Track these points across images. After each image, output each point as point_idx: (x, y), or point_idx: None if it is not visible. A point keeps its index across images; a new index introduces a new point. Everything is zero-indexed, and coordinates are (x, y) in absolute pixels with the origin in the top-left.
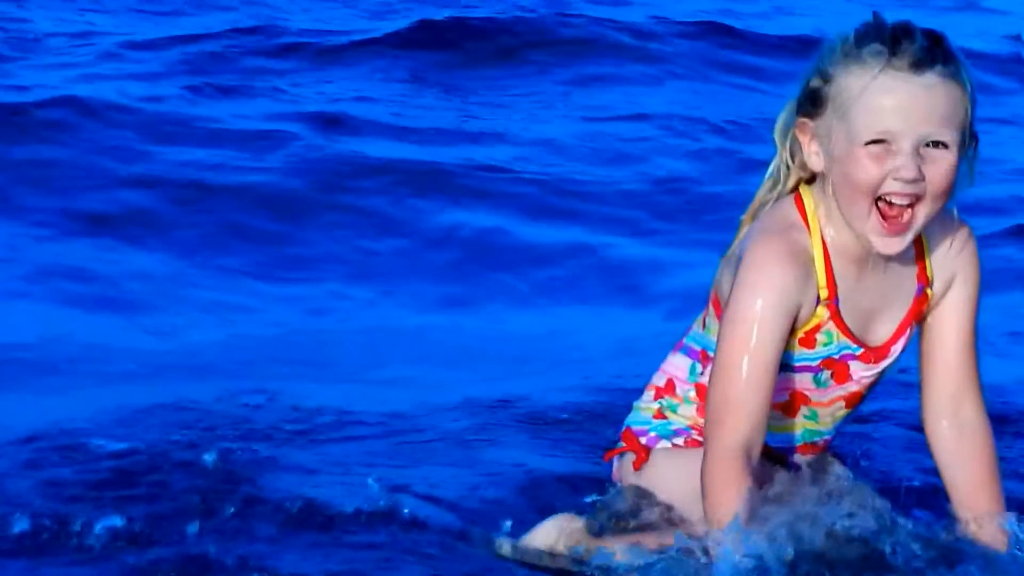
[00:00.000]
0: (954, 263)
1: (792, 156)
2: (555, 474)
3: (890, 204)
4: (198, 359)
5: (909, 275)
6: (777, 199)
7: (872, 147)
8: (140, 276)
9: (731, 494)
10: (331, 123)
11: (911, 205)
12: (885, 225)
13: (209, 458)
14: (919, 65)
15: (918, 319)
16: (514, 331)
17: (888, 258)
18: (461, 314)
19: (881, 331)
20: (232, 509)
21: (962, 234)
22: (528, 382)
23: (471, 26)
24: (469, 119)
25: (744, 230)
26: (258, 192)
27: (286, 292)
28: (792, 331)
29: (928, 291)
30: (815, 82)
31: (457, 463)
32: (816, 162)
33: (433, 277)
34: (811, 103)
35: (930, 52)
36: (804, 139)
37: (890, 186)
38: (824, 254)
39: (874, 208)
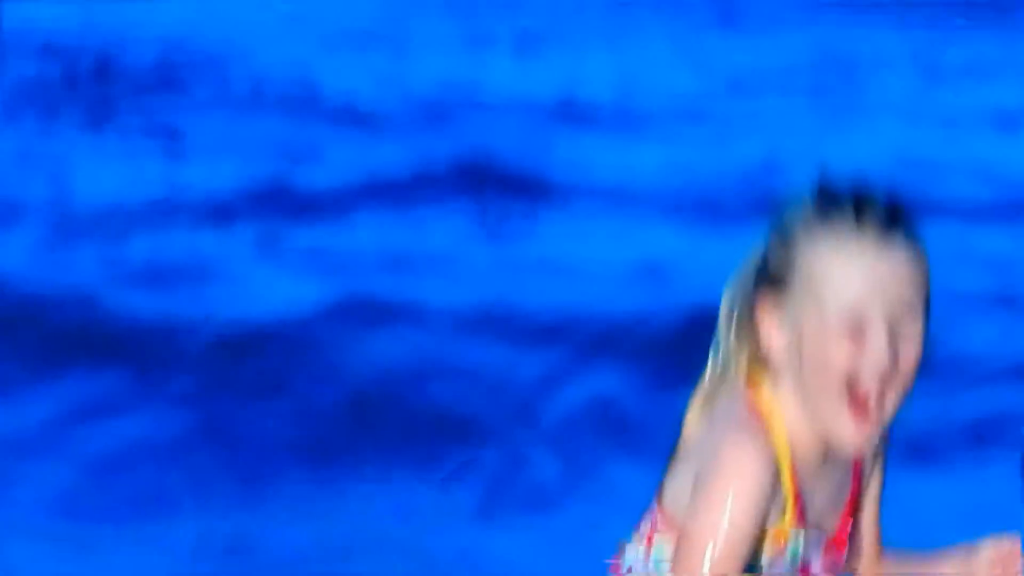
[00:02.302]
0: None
1: (740, 339)
2: None
3: (860, 391)
4: None
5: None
6: (728, 391)
7: (844, 328)
8: None
9: None
10: None
11: (882, 391)
12: (856, 413)
13: None
14: (886, 234)
15: (857, 497)
16: None
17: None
18: None
19: (831, 522)
20: None
21: None
22: None
23: None
24: None
25: (691, 429)
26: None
27: None
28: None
29: (863, 467)
30: (776, 257)
31: None
32: (778, 347)
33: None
34: (772, 281)
35: (894, 218)
36: (764, 320)
37: (863, 370)
38: (789, 457)
39: (845, 396)
